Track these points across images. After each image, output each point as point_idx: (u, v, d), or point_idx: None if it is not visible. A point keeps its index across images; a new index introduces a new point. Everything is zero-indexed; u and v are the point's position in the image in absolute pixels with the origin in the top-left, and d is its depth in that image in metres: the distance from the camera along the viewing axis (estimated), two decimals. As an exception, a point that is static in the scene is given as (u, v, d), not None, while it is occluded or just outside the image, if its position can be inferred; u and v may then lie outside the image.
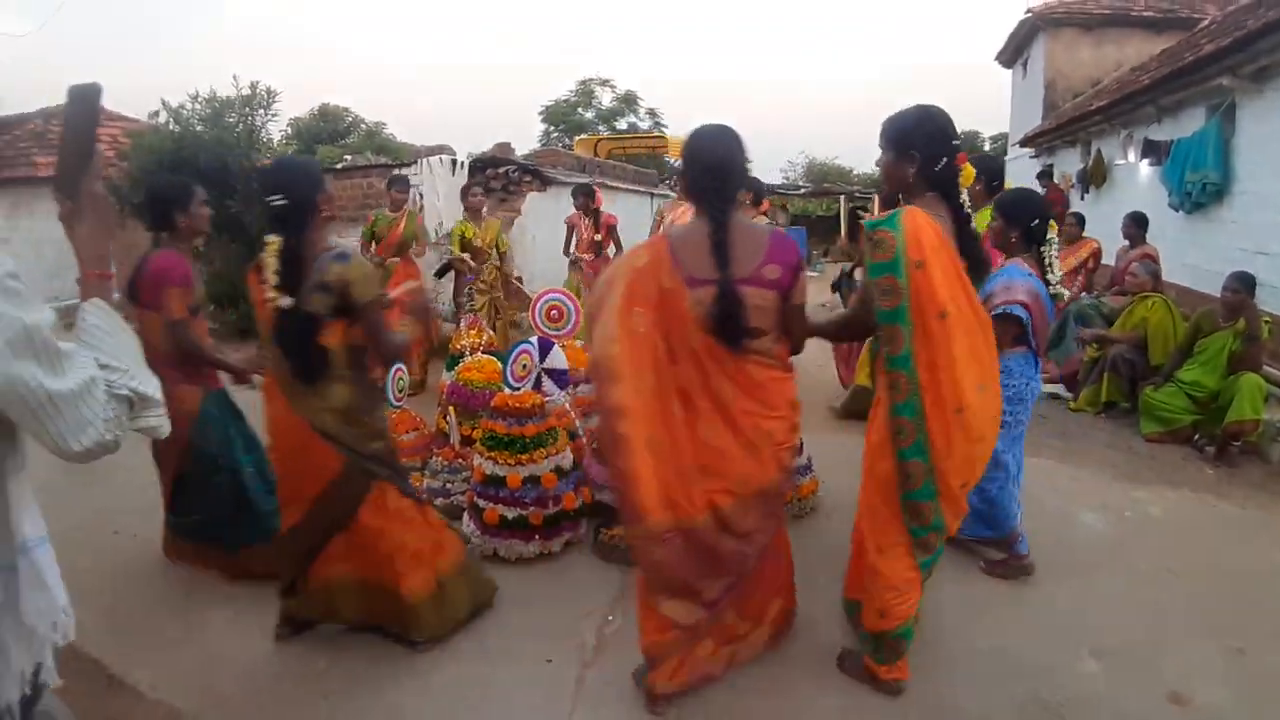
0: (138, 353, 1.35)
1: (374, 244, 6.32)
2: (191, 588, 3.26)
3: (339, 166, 10.01)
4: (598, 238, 6.86)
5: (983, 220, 4.68)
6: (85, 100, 1.40)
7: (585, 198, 6.97)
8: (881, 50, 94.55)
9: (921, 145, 2.36)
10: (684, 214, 7.11)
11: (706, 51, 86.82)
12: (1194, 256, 7.54)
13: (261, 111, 8.87)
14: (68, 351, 1.21)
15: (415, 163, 8.33)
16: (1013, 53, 17.89)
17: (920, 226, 2.21)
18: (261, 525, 3.11)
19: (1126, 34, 14.38)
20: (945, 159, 2.37)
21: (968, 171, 2.42)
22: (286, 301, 2.44)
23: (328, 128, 24.89)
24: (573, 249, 7.06)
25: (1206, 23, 10.91)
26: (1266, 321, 5.02)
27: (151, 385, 1.34)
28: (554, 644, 2.83)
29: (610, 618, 3.00)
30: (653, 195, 12.09)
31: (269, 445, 2.76)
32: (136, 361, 1.34)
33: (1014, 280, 3.10)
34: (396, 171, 7.30)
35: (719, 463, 2.27)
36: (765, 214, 6.94)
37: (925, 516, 2.37)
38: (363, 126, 26.87)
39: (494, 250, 6.22)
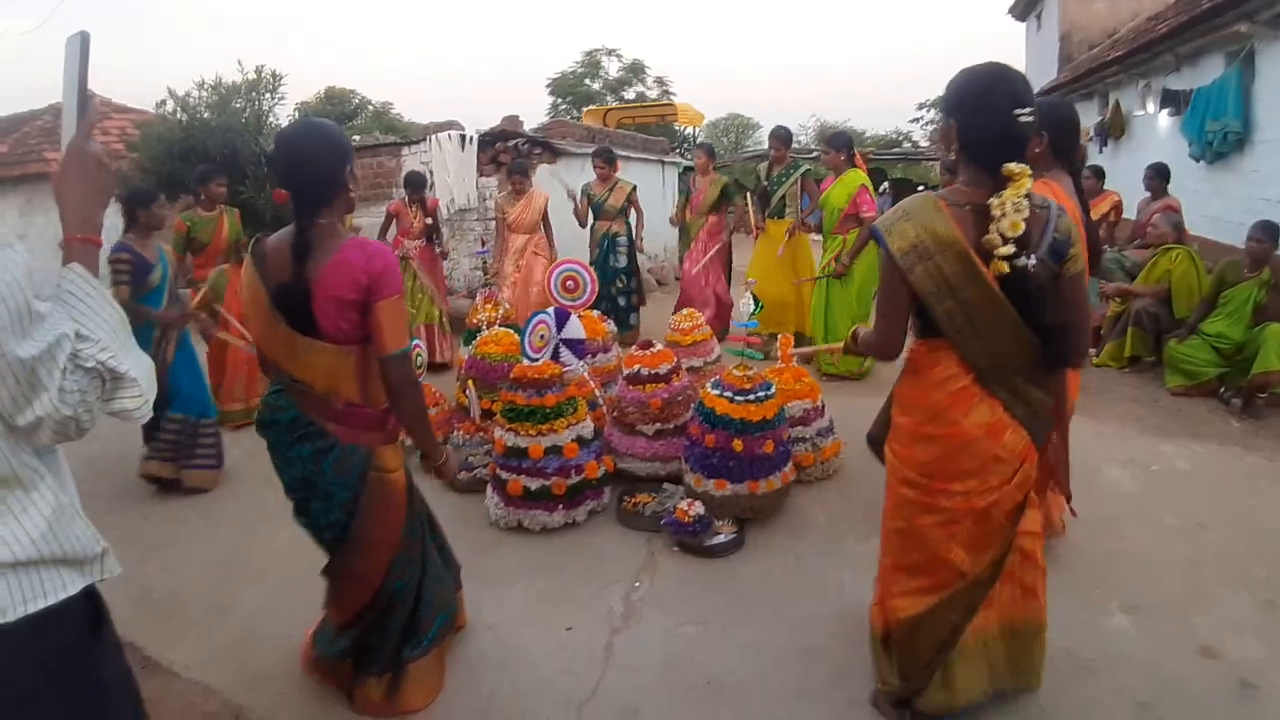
0: (119, 328, 1.21)
1: (188, 254, 5.12)
2: (221, 570, 3.30)
3: (347, 146, 9.95)
4: (429, 221, 6.37)
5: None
6: (74, 48, 1.26)
7: (415, 190, 6.34)
8: (892, 7, 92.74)
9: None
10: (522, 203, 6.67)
11: (714, 16, 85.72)
12: (1216, 207, 7.38)
13: (268, 96, 8.85)
14: (41, 313, 1.10)
15: (424, 140, 8.28)
16: (1026, 5, 17.49)
17: None
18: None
19: (1143, -18, 14.01)
20: None
21: None
22: None
23: (335, 110, 24.75)
24: (390, 239, 6.36)
25: (1226, -33, 10.58)
26: (1293, 270, 4.92)
27: (130, 363, 1.20)
28: (581, 611, 2.85)
29: (637, 584, 3.01)
30: (664, 163, 11.95)
31: None
32: (115, 336, 1.20)
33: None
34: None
35: None
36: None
37: None
38: (370, 107, 26.72)
39: None
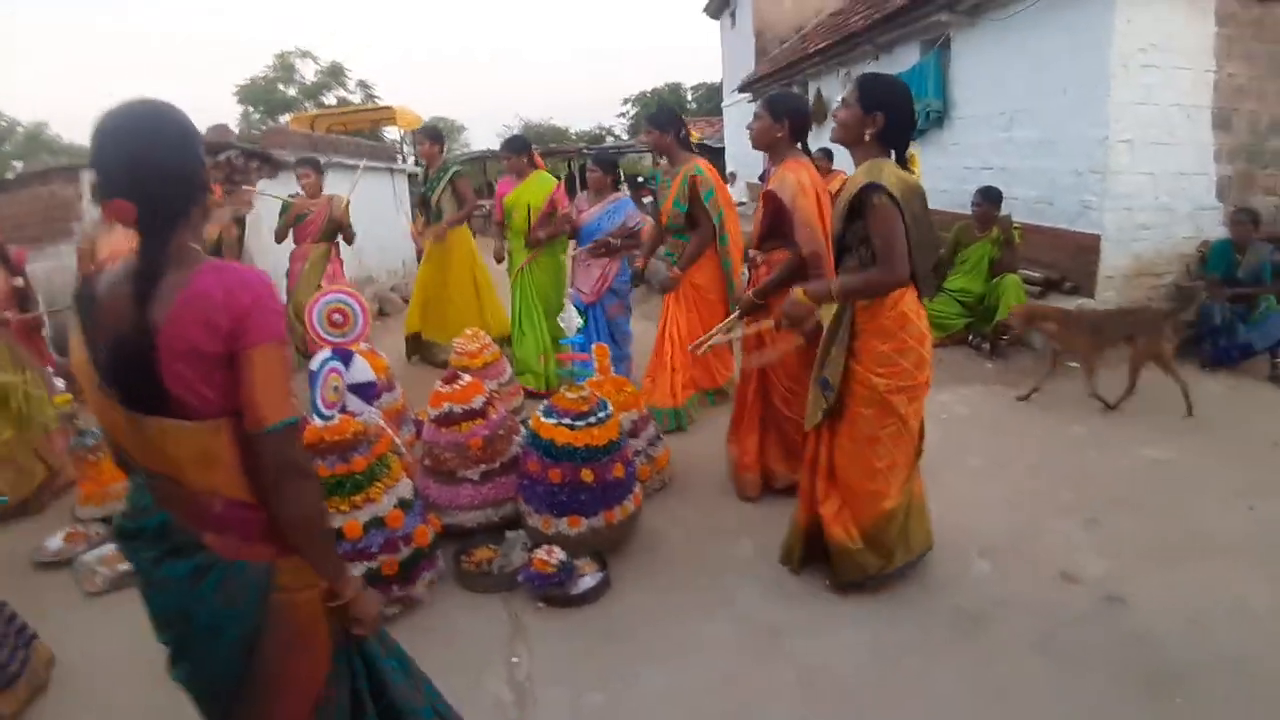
0: None
1: None
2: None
3: (8, 176, 8.03)
4: (18, 282, 4.39)
5: None
6: None
7: None
8: (594, 9, 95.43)
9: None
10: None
11: (418, 19, 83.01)
12: (924, 179, 8.28)
13: None
14: None
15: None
16: (719, 4, 18.74)
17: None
18: None
19: (826, -18, 15.57)
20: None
21: None
22: None
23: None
24: None
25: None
26: (1016, 228, 5.59)
27: None
28: (463, 711, 2.34)
29: (515, 659, 2.55)
30: (392, 171, 11.08)
31: None
32: None
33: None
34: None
35: None
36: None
37: None
38: (19, 129, 22.21)
39: None
